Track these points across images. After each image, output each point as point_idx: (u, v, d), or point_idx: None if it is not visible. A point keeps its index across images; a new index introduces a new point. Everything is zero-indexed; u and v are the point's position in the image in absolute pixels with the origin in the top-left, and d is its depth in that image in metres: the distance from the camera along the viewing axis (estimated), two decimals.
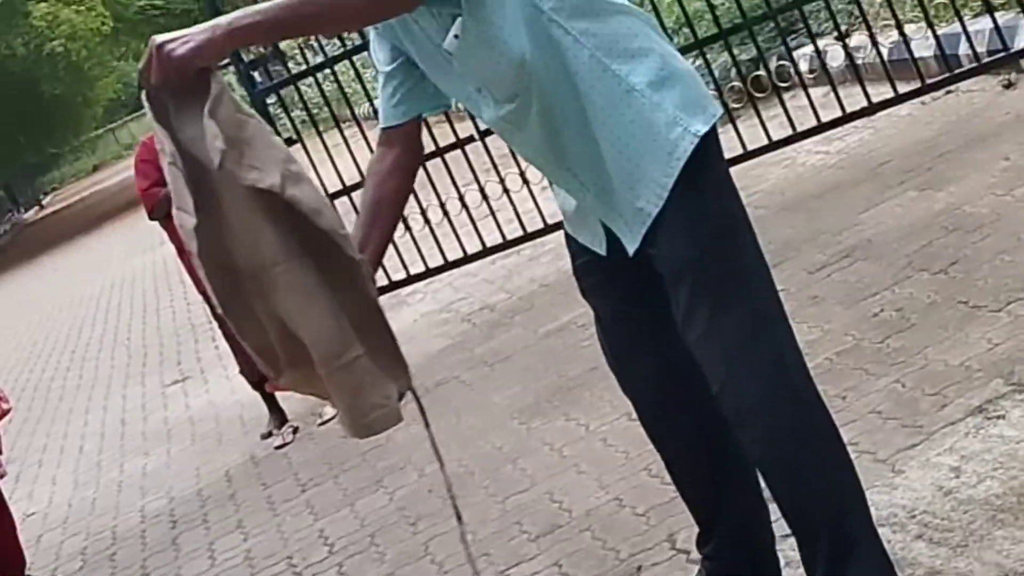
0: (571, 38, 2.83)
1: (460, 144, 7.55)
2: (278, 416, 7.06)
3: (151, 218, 7.00)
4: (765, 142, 7.24)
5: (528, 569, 4.20)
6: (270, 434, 6.97)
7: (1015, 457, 3.53)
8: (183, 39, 2.67)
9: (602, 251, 3.03)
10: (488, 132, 3.20)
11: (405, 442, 5.86)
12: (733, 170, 8.06)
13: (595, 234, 3.03)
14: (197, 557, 5.70)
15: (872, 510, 3.56)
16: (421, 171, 7.72)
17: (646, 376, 3.19)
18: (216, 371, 9.04)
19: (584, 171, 2.93)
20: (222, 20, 2.71)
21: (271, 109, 8.42)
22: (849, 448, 3.93)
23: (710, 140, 2.92)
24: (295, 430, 6.86)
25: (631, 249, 2.94)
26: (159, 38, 2.69)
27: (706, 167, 2.92)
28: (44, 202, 48.65)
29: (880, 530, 3.43)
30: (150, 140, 7.06)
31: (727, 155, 7.78)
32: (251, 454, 6.85)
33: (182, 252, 7.00)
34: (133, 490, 7.14)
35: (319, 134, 8.01)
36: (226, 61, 7.38)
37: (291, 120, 8.42)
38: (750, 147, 7.29)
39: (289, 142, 7.99)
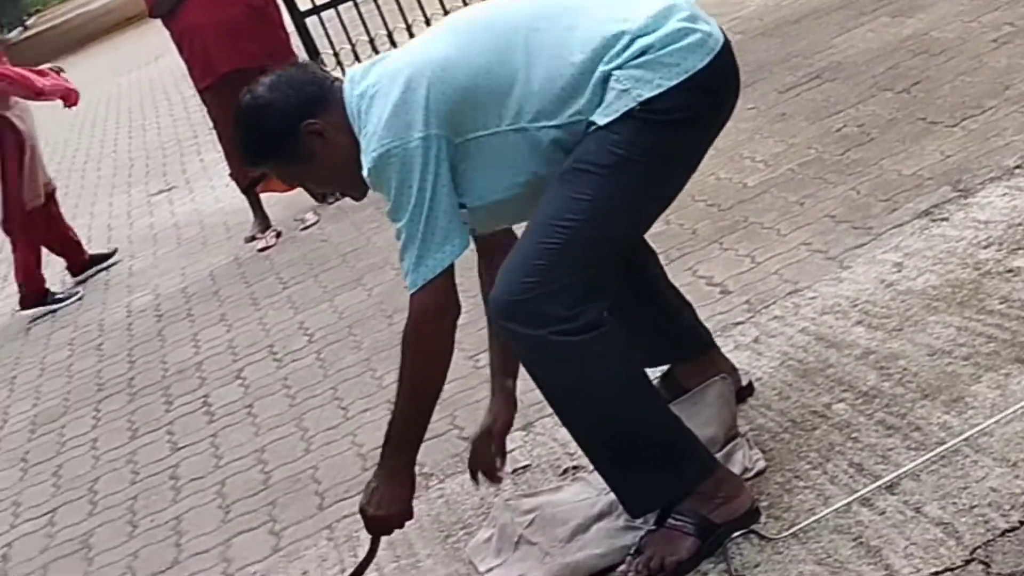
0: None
1: None
2: (262, 221, 7.25)
3: (151, 14, 7.12)
4: None
5: None
6: (253, 238, 7.17)
7: (954, 254, 3.76)
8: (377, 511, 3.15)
9: None
10: None
11: (384, 244, 6.08)
12: None
13: None
14: (182, 346, 5.94)
15: (818, 300, 3.84)
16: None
17: None
18: (201, 182, 9.22)
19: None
20: (384, 465, 3.14)
21: None
22: (801, 248, 4.22)
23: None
24: (278, 234, 7.07)
25: None
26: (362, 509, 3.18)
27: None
28: (28, 23, 48.14)
29: (823, 317, 3.72)
30: None
31: None
32: (235, 256, 7.06)
33: (181, 54, 7.14)
34: (120, 288, 7.36)
35: None
36: None
37: None
38: None
39: None
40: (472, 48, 2.97)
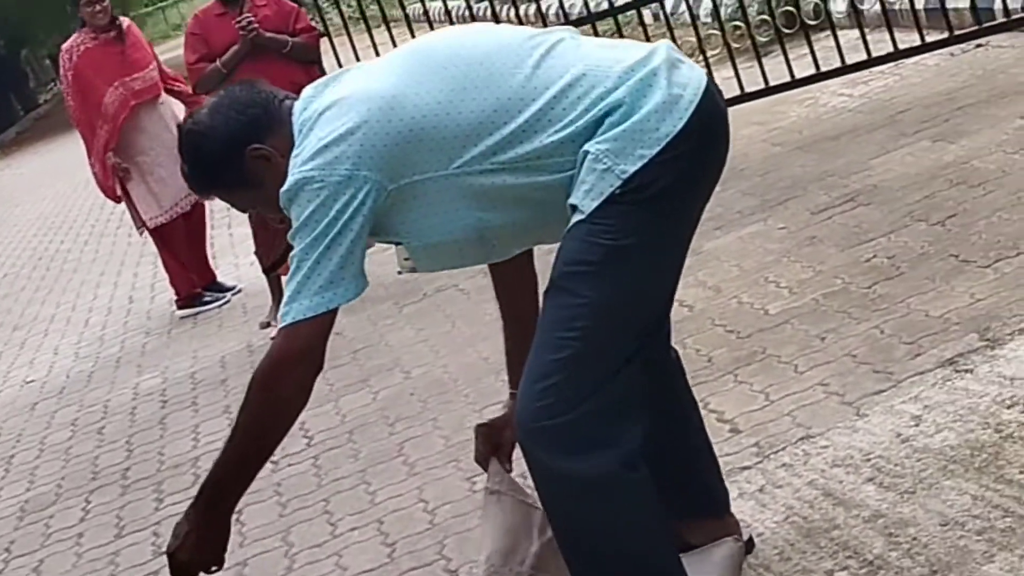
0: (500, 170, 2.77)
1: None
2: (279, 307, 7.09)
3: (195, 91, 7.04)
4: (788, 79, 7.25)
5: None
6: (268, 324, 7.01)
7: (975, 411, 3.55)
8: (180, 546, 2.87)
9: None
10: None
11: (397, 344, 5.92)
12: (756, 104, 8.06)
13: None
14: (182, 438, 5.77)
15: (830, 450, 3.63)
16: None
17: None
18: (227, 258, 9.09)
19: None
20: (200, 508, 2.89)
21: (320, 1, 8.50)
22: (818, 388, 4.00)
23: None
24: None
25: None
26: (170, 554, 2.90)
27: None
28: None
29: (833, 470, 3.51)
30: (202, 13, 7.11)
31: (750, 88, 7.72)
32: (248, 342, 6.91)
33: None
34: (130, 367, 7.21)
35: (368, 29, 8.09)
36: None
37: (341, 14, 8.51)
38: (773, 83, 7.29)
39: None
40: (425, 86, 2.77)
